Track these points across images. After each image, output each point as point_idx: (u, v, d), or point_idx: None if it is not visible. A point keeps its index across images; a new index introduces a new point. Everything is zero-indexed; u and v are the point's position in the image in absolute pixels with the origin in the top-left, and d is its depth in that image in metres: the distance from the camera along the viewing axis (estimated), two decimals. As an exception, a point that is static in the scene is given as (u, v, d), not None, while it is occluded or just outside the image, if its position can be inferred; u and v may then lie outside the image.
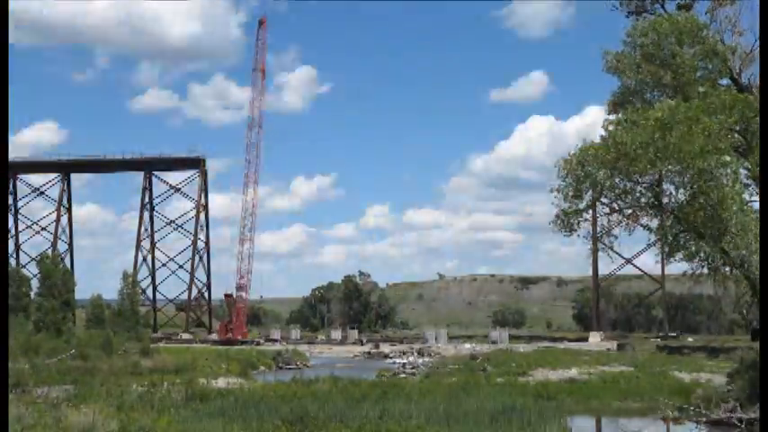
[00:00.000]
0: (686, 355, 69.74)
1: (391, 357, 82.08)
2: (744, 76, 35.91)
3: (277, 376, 56.72)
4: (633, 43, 35.11)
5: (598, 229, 38.07)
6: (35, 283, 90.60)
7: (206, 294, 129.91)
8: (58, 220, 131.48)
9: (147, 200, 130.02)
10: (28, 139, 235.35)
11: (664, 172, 33.54)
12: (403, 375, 59.05)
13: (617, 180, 33.72)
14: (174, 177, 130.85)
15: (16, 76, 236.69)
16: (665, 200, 34.50)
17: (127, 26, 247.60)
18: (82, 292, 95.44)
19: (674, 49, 34.17)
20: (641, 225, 35.78)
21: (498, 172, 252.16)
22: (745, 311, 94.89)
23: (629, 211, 34.99)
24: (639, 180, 34.23)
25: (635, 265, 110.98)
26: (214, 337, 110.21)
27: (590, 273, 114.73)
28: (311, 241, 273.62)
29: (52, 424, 26.89)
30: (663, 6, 37.61)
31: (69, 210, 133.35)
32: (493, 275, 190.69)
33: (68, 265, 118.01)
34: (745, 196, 33.57)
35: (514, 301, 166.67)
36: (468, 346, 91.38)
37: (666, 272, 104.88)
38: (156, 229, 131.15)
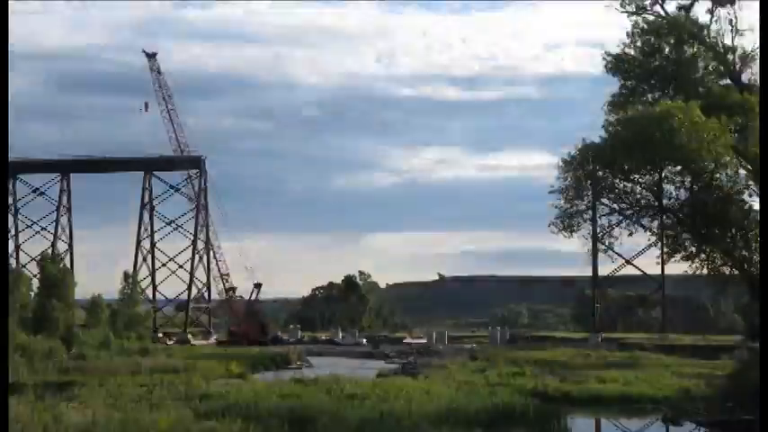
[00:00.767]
0: (686, 356, 69.62)
1: (391, 357, 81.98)
2: (744, 76, 35.91)
3: (277, 376, 56.64)
4: (633, 43, 35.11)
5: (598, 229, 38.07)
6: (35, 283, 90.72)
7: (206, 294, 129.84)
8: (57, 220, 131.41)
9: (147, 200, 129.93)
10: (28, 139, 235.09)
11: (664, 173, 33.59)
12: (403, 376, 58.94)
13: (617, 180, 33.77)
14: (174, 177, 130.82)
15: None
16: (666, 200, 34.53)
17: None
18: (82, 292, 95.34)
19: (674, 50, 34.17)
20: (641, 226, 35.84)
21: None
22: (744, 312, 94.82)
23: (630, 211, 35.04)
24: (639, 181, 34.27)
25: (635, 266, 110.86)
26: (214, 338, 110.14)
27: (590, 273, 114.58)
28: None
29: (52, 424, 26.87)
30: (663, 7, 37.61)
31: (69, 210, 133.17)
32: (493, 275, 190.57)
33: (68, 265, 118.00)
34: (745, 197, 33.59)
35: (514, 302, 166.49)
36: (467, 346, 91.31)
37: (666, 272, 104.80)
38: (155, 229, 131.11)
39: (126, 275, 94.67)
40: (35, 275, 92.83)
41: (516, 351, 79.93)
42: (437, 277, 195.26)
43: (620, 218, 35.61)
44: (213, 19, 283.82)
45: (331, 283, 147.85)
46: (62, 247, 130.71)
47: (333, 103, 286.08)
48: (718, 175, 33.22)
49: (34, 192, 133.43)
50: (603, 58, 35.92)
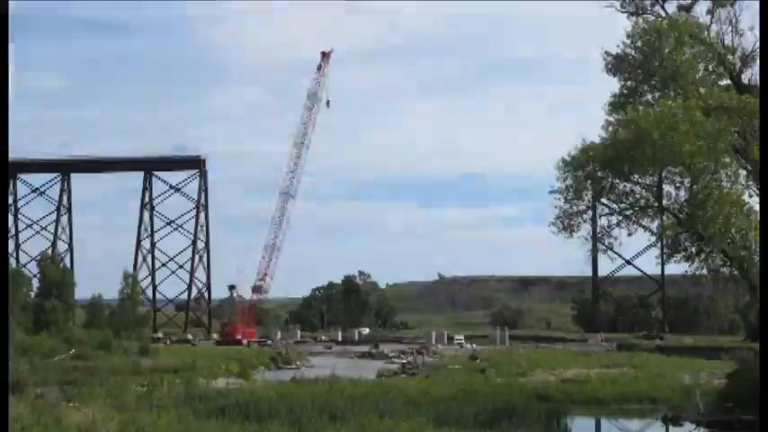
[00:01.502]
0: (685, 356, 69.69)
1: (391, 357, 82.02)
2: (744, 77, 35.91)
3: (277, 376, 56.67)
4: (634, 44, 35.10)
5: (598, 229, 38.08)
6: (35, 283, 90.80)
7: (206, 294, 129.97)
8: (57, 220, 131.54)
9: (147, 200, 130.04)
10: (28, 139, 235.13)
11: (664, 173, 33.60)
12: (403, 376, 58.99)
13: (617, 181, 33.78)
14: (174, 177, 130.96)
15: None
16: (666, 201, 34.54)
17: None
18: (82, 292, 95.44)
19: (675, 50, 34.16)
20: (641, 226, 35.85)
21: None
22: (744, 312, 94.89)
23: (630, 212, 35.06)
24: (639, 181, 34.29)
25: (635, 266, 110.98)
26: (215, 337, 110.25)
27: (590, 273, 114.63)
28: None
29: (52, 424, 26.88)
30: (663, 7, 37.60)
31: (69, 210, 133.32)
32: (493, 276, 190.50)
33: (68, 265, 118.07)
34: (745, 197, 33.60)
35: (514, 301, 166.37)
36: (467, 346, 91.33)
37: (666, 273, 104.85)
38: (155, 228, 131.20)
39: (126, 275, 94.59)
40: (35, 275, 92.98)
41: (516, 351, 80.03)
42: (437, 277, 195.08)
43: (620, 218, 35.61)
44: None
45: (331, 284, 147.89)
46: (62, 247, 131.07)
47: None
48: (718, 176, 33.20)
49: (34, 192, 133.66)
50: (603, 59, 35.91)
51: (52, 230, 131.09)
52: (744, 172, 33.95)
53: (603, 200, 35.46)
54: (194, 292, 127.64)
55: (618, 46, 35.49)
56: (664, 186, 34.52)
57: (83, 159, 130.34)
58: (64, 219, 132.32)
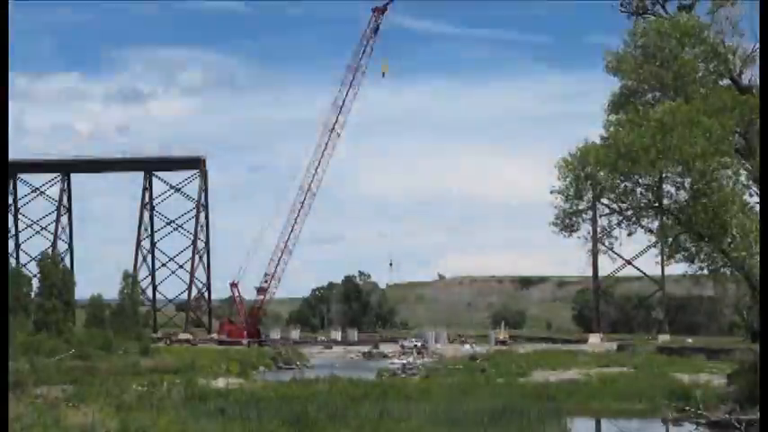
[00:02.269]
0: (686, 357, 69.70)
1: (391, 358, 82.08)
2: (744, 77, 35.87)
3: (277, 376, 56.71)
4: (634, 44, 35.07)
5: (598, 230, 38.05)
6: (35, 283, 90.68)
7: (206, 294, 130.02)
8: (57, 220, 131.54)
9: (147, 200, 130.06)
10: (28, 139, 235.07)
11: (664, 173, 33.55)
12: (403, 376, 59.04)
13: (617, 181, 33.73)
14: (174, 177, 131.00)
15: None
16: (666, 201, 34.51)
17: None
18: (82, 292, 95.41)
19: (675, 50, 34.13)
20: (641, 226, 35.80)
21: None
22: (745, 313, 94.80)
23: (630, 212, 35.01)
24: (640, 181, 34.24)
25: (635, 266, 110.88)
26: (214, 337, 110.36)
27: (590, 274, 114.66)
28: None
29: (52, 424, 26.89)
30: (664, 7, 37.56)
31: (69, 210, 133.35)
32: (493, 276, 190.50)
33: (68, 265, 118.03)
34: (746, 198, 33.56)
35: (514, 301, 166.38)
36: (467, 346, 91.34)
37: (666, 273, 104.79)
38: (155, 229, 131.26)
39: (126, 275, 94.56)
40: (35, 275, 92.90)
41: (516, 351, 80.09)
42: (437, 277, 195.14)
43: (621, 218, 35.56)
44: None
45: (331, 284, 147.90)
46: (62, 247, 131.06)
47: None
48: (718, 176, 33.15)
49: (34, 192, 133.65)
50: (604, 58, 35.89)
51: (52, 230, 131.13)
52: (744, 172, 33.92)
53: (604, 200, 35.41)
54: (194, 292, 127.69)
55: (618, 46, 35.49)
56: (664, 186, 34.48)
57: (83, 159, 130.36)
58: (64, 219, 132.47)
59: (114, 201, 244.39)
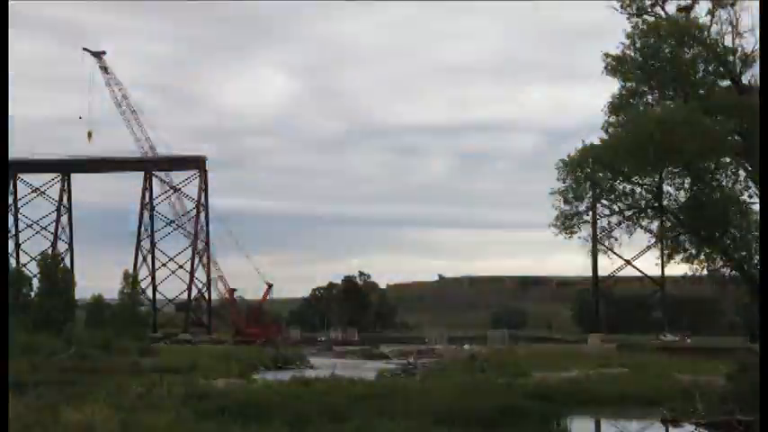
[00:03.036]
0: (686, 357, 69.69)
1: (391, 358, 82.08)
2: (744, 78, 35.86)
3: (277, 376, 56.68)
4: (633, 45, 35.06)
5: (598, 230, 38.06)
6: (35, 283, 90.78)
7: (206, 294, 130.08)
8: (58, 220, 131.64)
9: (147, 200, 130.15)
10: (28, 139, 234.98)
11: (664, 174, 33.56)
12: (403, 376, 59.01)
13: (617, 182, 33.75)
14: (174, 177, 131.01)
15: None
16: (666, 202, 34.52)
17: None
18: (82, 292, 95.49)
19: (675, 51, 34.13)
20: (641, 227, 35.80)
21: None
22: (744, 313, 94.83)
23: (630, 212, 35.02)
24: (640, 182, 34.26)
25: (635, 267, 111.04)
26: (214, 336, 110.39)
27: (590, 274, 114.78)
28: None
29: (51, 424, 26.89)
30: (663, 8, 37.54)
31: (69, 210, 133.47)
32: (493, 275, 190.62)
33: (68, 265, 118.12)
34: (745, 198, 33.57)
35: (514, 302, 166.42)
36: (467, 347, 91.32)
37: (666, 273, 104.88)
38: (155, 229, 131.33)
39: (126, 275, 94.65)
40: (35, 275, 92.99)
41: (516, 352, 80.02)
42: (437, 277, 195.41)
43: (621, 219, 35.56)
44: None
45: (331, 284, 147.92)
46: (62, 247, 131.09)
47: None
48: (718, 176, 33.18)
49: (34, 192, 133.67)
50: (603, 60, 35.86)
51: (52, 230, 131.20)
52: (744, 172, 33.92)
53: (603, 201, 35.42)
54: (194, 292, 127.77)
55: (617, 47, 35.46)
56: (664, 187, 34.49)
57: (83, 159, 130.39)
58: (64, 219, 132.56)
59: (114, 201, 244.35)
